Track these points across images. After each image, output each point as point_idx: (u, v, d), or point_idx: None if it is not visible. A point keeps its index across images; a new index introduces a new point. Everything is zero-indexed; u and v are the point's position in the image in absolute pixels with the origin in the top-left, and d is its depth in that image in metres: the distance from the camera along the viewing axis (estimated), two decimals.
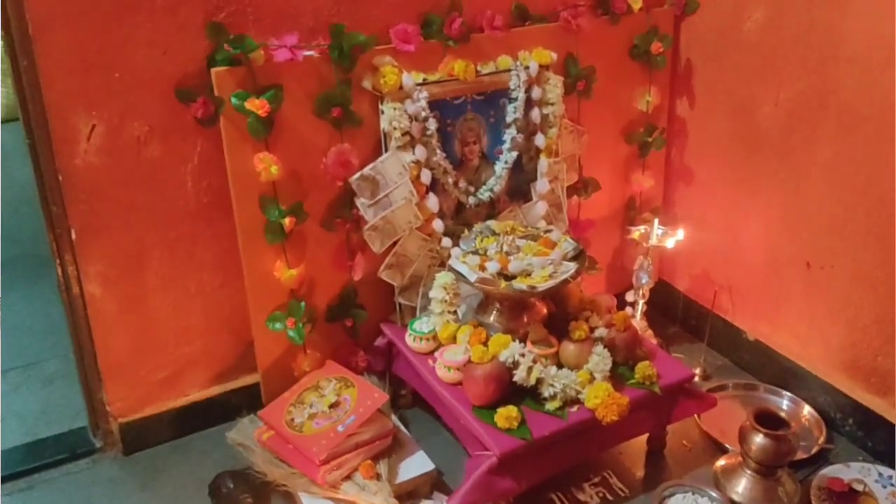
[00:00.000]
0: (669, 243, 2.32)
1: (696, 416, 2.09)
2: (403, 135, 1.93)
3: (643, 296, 2.37)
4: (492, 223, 2.06)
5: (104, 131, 1.75)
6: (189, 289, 1.97)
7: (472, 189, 2.09)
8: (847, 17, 1.88)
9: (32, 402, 2.27)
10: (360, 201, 1.97)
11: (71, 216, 1.79)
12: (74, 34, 1.66)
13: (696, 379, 2.28)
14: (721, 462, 1.94)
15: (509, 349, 1.81)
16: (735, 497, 1.83)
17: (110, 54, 1.70)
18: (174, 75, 1.77)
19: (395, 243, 2.02)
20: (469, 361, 1.82)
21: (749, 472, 1.84)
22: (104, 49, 1.69)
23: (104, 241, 1.84)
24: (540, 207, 2.18)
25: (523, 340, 1.86)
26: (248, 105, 1.75)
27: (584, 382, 1.81)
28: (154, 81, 1.75)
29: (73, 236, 1.80)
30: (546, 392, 1.79)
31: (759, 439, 1.80)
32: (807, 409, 2.16)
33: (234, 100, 1.76)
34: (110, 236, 1.84)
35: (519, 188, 2.19)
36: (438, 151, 1.98)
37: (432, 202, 2.01)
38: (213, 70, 1.75)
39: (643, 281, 2.35)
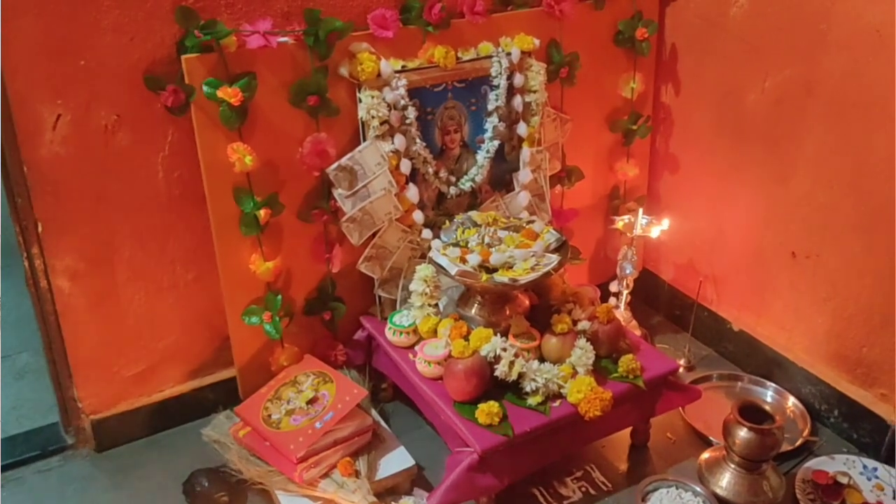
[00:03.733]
0: (654, 233, 2.29)
1: (680, 408, 2.06)
2: (382, 124, 1.88)
3: (627, 286, 2.34)
4: (473, 214, 2.02)
5: (70, 120, 1.69)
6: (161, 282, 1.92)
7: (453, 179, 2.05)
8: (835, 3, 1.85)
9: (3, 396, 2.22)
10: (338, 192, 1.92)
11: (37, 208, 1.73)
12: (37, 20, 1.59)
13: (681, 370, 2.26)
14: (705, 455, 1.92)
15: (491, 343, 1.77)
16: (719, 491, 1.81)
17: (75, 41, 1.64)
18: (143, 62, 1.71)
19: (374, 235, 1.97)
20: (449, 356, 1.78)
21: (733, 465, 1.82)
22: (69, 36, 1.63)
23: (72, 233, 1.78)
24: (522, 197, 2.14)
25: (505, 334, 1.83)
26: (220, 93, 1.70)
27: (567, 377, 1.78)
28: (121, 69, 1.69)
29: (40, 229, 1.75)
30: (528, 387, 1.76)
31: (742, 433, 1.78)
32: (791, 401, 2.15)
33: (205, 88, 1.70)
34: (78, 229, 1.78)
35: (501, 178, 2.15)
36: (418, 140, 1.94)
37: (412, 193, 1.97)
38: (184, 57, 1.69)
39: (627, 271, 2.32)
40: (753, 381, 2.23)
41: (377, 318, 2.06)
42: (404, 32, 1.90)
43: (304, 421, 1.82)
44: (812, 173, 2.01)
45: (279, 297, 1.93)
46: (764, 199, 2.15)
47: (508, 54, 2.01)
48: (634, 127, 2.36)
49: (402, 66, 1.90)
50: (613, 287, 2.38)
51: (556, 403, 1.77)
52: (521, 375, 1.76)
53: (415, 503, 1.80)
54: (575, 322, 1.88)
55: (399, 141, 1.91)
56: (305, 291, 2.02)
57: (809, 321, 2.11)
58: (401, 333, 1.93)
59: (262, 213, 1.83)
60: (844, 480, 1.87)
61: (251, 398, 1.93)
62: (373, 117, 1.87)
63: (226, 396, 2.01)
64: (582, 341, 1.83)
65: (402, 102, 1.88)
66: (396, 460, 1.87)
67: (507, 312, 1.90)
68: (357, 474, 1.79)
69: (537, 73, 2.06)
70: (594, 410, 1.72)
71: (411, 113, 1.90)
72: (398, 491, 1.85)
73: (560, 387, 1.77)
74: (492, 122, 2.05)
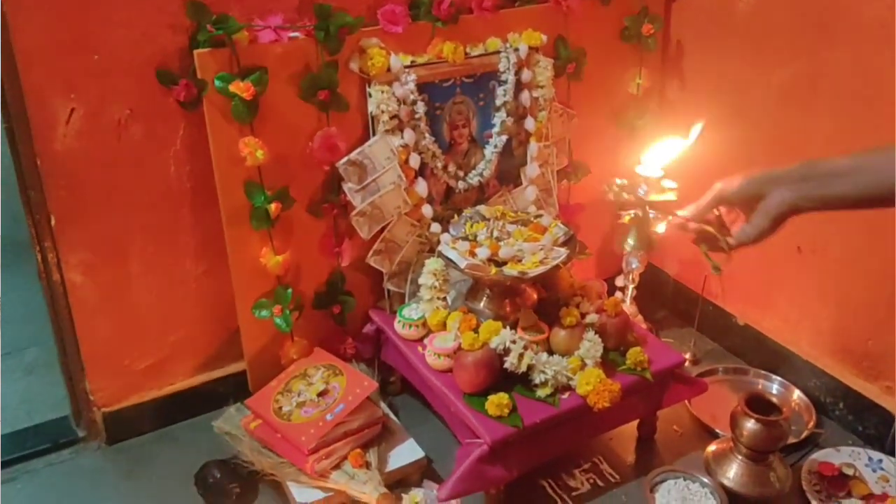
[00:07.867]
0: (660, 228, 2.29)
1: (686, 401, 2.08)
2: (391, 118, 1.89)
3: (633, 280, 2.35)
4: (482, 208, 2.03)
5: (83, 115, 1.70)
6: (173, 276, 1.93)
7: (461, 173, 2.06)
8: None
9: (13, 391, 2.23)
10: (348, 186, 1.93)
11: (50, 202, 1.74)
12: (51, 15, 1.60)
13: (686, 364, 2.26)
14: (712, 447, 1.93)
15: (500, 336, 1.78)
16: (726, 482, 1.83)
17: (88, 36, 1.64)
18: (155, 57, 1.72)
19: (383, 229, 1.98)
20: (459, 348, 1.80)
21: (740, 457, 1.84)
22: (83, 30, 1.63)
23: (84, 227, 1.79)
24: (530, 192, 2.16)
25: (514, 327, 1.84)
26: (232, 88, 1.71)
27: (576, 369, 1.79)
28: (134, 63, 1.70)
29: (53, 222, 1.76)
30: (537, 379, 1.77)
31: (750, 425, 1.79)
32: (797, 394, 2.16)
33: (217, 82, 1.71)
34: (91, 222, 1.79)
35: (509, 172, 2.16)
36: (427, 135, 1.95)
37: (421, 187, 1.98)
38: (196, 52, 1.70)
39: (633, 265, 2.33)
40: (759, 374, 2.25)
41: (386, 312, 2.07)
42: (413, 28, 1.91)
43: (315, 413, 1.83)
44: None
45: (289, 290, 1.94)
46: None
47: (516, 50, 2.02)
48: (640, 122, 2.37)
49: (412, 62, 1.91)
50: (619, 281, 2.39)
51: (565, 395, 1.78)
52: (530, 367, 1.78)
53: (425, 495, 1.82)
54: (583, 315, 1.89)
55: (408, 136, 1.92)
56: (315, 285, 2.04)
57: (815, 315, 2.13)
58: (410, 326, 1.94)
59: (272, 207, 1.84)
60: (850, 472, 1.88)
61: (262, 391, 1.94)
62: (382, 112, 1.88)
63: (236, 389, 2.02)
64: (590, 334, 1.84)
65: (412, 97, 1.89)
66: (406, 452, 1.89)
67: (516, 305, 1.91)
68: (368, 466, 1.80)
69: (545, 69, 2.07)
70: (603, 402, 1.73)
71: (421, 108, 1.91)
72: (408, 483, 1.86)
73: (569, 379, 1.78)
74: (499, 118, 2.06)
